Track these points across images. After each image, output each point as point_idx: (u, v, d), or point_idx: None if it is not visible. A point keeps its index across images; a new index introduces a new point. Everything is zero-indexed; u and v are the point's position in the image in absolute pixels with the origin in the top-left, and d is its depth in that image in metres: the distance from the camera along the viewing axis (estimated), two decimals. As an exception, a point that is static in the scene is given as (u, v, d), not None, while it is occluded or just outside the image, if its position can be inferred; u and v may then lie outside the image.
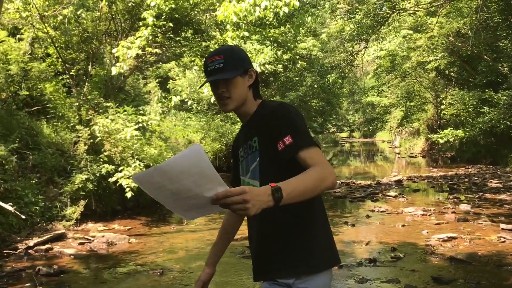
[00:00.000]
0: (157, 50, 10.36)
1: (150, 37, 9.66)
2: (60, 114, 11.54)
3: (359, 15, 18.00)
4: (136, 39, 9.46)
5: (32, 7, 9.81)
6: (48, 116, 11.44)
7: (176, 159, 1.39)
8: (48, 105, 11.53)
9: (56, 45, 10.76)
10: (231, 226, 2.35)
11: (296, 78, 26.45)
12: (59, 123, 11.36)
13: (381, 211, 10.74)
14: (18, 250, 7.25)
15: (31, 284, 5.82)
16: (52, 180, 9.61)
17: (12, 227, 7.89)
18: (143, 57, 10.98)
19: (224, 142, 18.50)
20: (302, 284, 1.83)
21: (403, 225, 9.21)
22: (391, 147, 42.84)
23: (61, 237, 8.24)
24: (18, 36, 11.31)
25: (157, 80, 18.53)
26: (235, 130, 19.62)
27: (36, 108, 11.25)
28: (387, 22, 18.66)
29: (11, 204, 7.74)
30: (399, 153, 34.86)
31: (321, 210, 1.97)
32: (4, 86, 10.40)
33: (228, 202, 1.40)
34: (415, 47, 23.00)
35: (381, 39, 22.70)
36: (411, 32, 22.09)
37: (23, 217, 7.82)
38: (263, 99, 2.04)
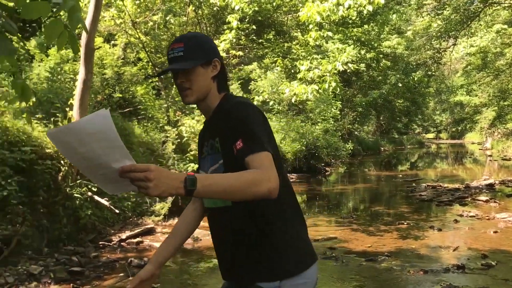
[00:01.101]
0: (240, 53, 10.61)
1: (234, 40, 9.92)
2: (150, 115, 12.20)
3: (447, 10, 17.22)
4: (221, 42, 9.76)
5: (125, 14, 10.46)
6: (139, 117, 12.13)
7: (83, 120, 1.36)
8: (139, 106, 12.24)
9: (147, 50, 11.37)
10: (183, 223, 2.12)
11: (380, 77, 25.82)
12: (149, 124, 12.01)
13: (470, 216, 10.18)
14: (112, 242, 7.76)
15: (124, 275, 6.21)
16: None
17: (107, 220, 8.46)
18: (227, 60, 11.29)
19: (304, 142, 18.49)
20: (289, 282, 1.77)
21: (495, 232, 8.67)
22: (481, 149, 40.36)
23: (150, 231, 8.70)
24: (112, 42, 12.10)
25: (238, 82, 18.94)
26: (315, 131, 19.55)
27: (128, 109, 11.97)
28: (478, 17, 17.65)
29: (107, 199, 8.31)
30: (490, 156, 32.76)
31: (293, 213, 1.87)
32: (100, 89, 11.17)
33: (131, 176, 1.35)
34: (510, 43, 21.55)
35: (471, 35, 21.52)
36: (505, 26, 20.72)
37: (117, 211, 8.36)
38: (227, 92, 1.90)
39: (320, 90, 9.76)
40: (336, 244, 7.90)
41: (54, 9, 1.77)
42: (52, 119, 8.88)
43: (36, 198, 7.10)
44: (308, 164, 19.24)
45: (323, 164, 20.35)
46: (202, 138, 1.96)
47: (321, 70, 9.49)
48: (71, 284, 5.69)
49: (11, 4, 2.13)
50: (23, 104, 8.16)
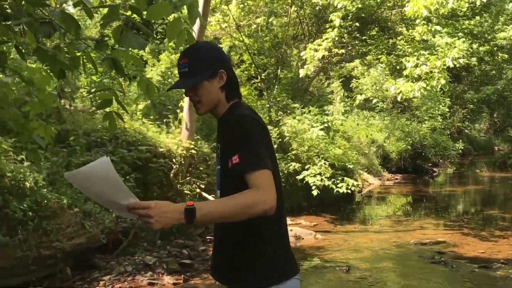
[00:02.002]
0: (343, 51, 10.50)
1: (336, 38, 9.85)
2: (253, 115, 12.52)
3: None
4: (323, 41, 9.74)
5: (230, 18, 10.84)
6: (242, 117, 12.50)
7: (86, 168, 1.53)
8: (242, 107, 12.61)
9: (250, 52, 11.69)
10: None
11: (493, 71, 24.00)
12: (252, 123, 12.31)
13: None
14: (219, 238, 8.11)
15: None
16: (246, 176, 10.49)
17: (213, 216, 8.84)
18: (329, 58, 11.25)
19: (410, 141, 17.78)
20: None
21: None
22: None
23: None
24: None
25: (340, 80, 18.70)
26: (422, 129, 18.71)
27: (232, 109, 12.39)
28: None
29: (213, 196, 8.70)
30: None
31: (282, 224, 1.87)
32: (207, 90, 11.69)
33: (135, 213, 1.52)
34: None
35: None
36: None
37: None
38: (236, 100, 1.92)
39: (427, 87, 9.35)
40: (445, 249, 7.54)
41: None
42: (164, 120, 9.49)
43: (151, 194, 7.64)
44: (414, 164, 18.48)
45: (430, 164, 19.42)
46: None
47: (428, 66, 9.08)
48: (182, 276, 6.06)
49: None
50: (139, 107, 8.78)
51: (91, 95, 9.16)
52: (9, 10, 2.11)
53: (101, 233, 6.23)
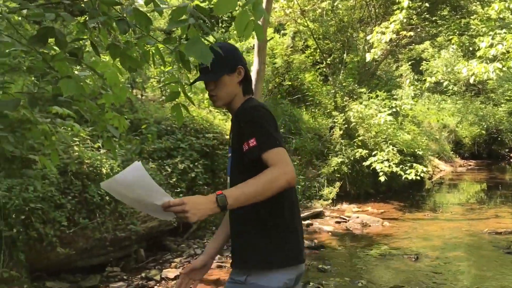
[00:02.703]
0: (412, 33, 10.13)
1: (405, 20, 9.51)
2: (317, 101, 12.44)
3: None
4: (391, 23, 9.44)
5: (294, 4, 10.77)
6: (307, 103, 12.46)
7: (121, 175, 1.59)
8: (307, 93, 12.57)
9: (315, 37, 11.56)
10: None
11: None
12: (317, 110, 12.26)
13: None
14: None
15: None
16: (311, 162, 10.49)
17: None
18: (397, 41, 10.89)
19: (484, 126, 16.91)
20: (253, 280, 1.84)
21: None
22: None
23: (319, 215, 8.95)
24: (282, 31, 12.57)
25: (409, 63, 18.06)
26: (498, 113, 17.73)
27: (296, 96, 12.37)
28: None
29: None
30: None
31: (289, 208, 1.92)
32: (271, 78, 11.74)
33: (171, 211, 1.58)
34: None
35: None
36: None
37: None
38: (251, 95, 2.05)
39: (504, 68, 8.82)
40: (522, 239, 7.17)
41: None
42: (230, 108, 9.66)
43: (218, 180, 7.85)
44: (489, 149, 17.61)
45: (507, 150, 18.38)
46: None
47: (505, 46, 8.56)
48: (249, 260, 6.18)
49: (203, 4, 2.41)
50: (206, 95, 8.96)
51: (161, 85, 9.48)
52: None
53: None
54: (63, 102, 2.36)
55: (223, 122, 8.88)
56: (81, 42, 2.78)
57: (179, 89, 2.41)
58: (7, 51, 5.63)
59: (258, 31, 2.11)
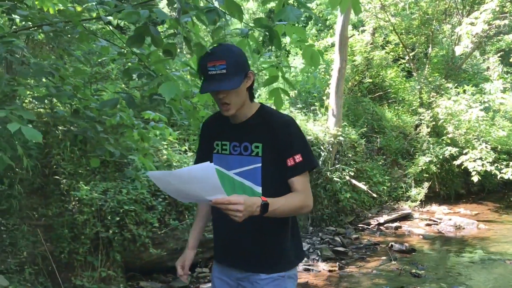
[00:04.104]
0: (506, 21, 9.41)
1: (497, 9, 8.85)
2: (401, 98, 11.94)
3: None
4: (481, 13, 8.82)
5: (374, -2, 10.43)
6: (389, 100, 12.01)
7: (191, 170, 1.69)
8: (388, 90, 12.11)
9: (397, 31, 11.12)
10: (205, 208, 2.27)
11: None
12: (400, 107, 11.77)
13: None
14: (371, 226, 7.90)
15: (386, 258, 6.25)
16: (397, 162, 10.06)
17: (364, 204, 8.66)
18: (486, 32, 10.17)
19: None
20: (277, 280, 1.97)
21: None
22: None
23: (407, 217, 8.55)
24: (361, 28, 12.22)
25: (498, 55, 16.84)
26: None
27: (378, 94, 11.96)
28: None
29: (364, 183, 8.50)
30: None
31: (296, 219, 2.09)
32: (351, 75, 11.44)
33: (224, 208, 1.68)
34: None
35: None
36: None
37: (374, 195, 8.47)
38: (256, 102, 2.04)
39: None
40: None
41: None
42: (311, 108, 9.53)
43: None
44: None
45: None
46: (210, 135, 2.11)
47: None
48: (337, 263, 6.01)
49: None
50: (286, 97, 8.94)
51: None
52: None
53: (257, 219, 6.46)
54: (159, 101, 2.36)
55: (304, 122, 8.75)
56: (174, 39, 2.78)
57: (278, 73, 2.32)
58: (99, 60, 5.86)
59: (356, 3, 1.97)
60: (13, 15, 2.81)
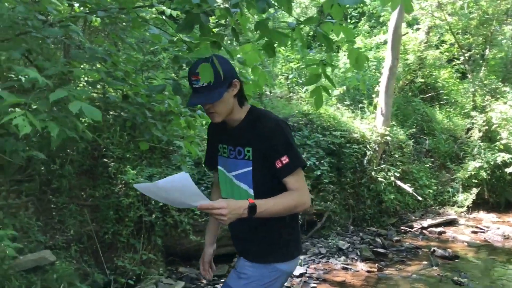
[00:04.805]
0: None
1: None
2: (453, 100, 11.55)
3: None
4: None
5: (431, -4, 10.12)
6: (441, 102, 11.64)
7: (171, 181, 1.79)
8: (441, 91, 11.73)
9: (453, 31, 10.75)
10: None
11: None
12: (452, 109, 11.39)
13: None
14: (414, 229, 7.72)
15: (428, 263, 6.10)
16: (445, 165, 9.76)
17: (408, 206, 8.46)
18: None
19: None
20: (263, 268, 2.10)
21: None
22: None
23: (452, 222, 8.29)
24: (415, 26, 11.89)
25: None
26: None
27: (429, 94, 11.62)
28: None
29: (409, 185, 8.31)
30: None
31: (293, 217, 2.17)
32: (402, 74, 11.16)
33: (209, 212, 1.83)
34: None
35: None
36: None
37: (419, 198, 8.27)
38: (247, 104, 2.12)
39: None
40: None
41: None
42: (359, 106, 9.38)
43: (344, 179, 7.64)
44: None
45: None
46: (214, 137, 2.24)
47: None
48: (376, 264, 5.92)
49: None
50: (334, 92, 8.83)
51: (289, 82, 9.53)
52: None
53: (297, 214, 6.44)
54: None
55: (351, 120, 8.64)
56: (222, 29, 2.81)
57: (320, 71, 2.30)
58: (151, 48, 5.99)
59: (408, 2, 1.93)
60: (72, 1, 2.92)
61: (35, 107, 2.10)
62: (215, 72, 1.88)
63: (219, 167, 2.21)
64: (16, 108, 2.11)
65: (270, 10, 2.12)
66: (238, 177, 2.10)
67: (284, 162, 1.97)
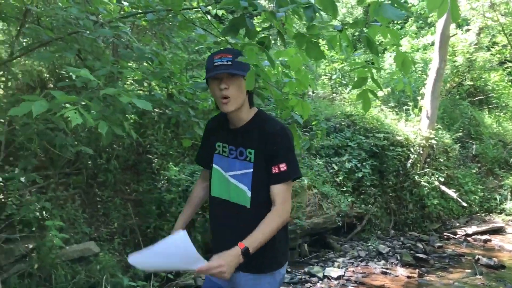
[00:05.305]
0: None
1: None
2: (503, 104, 11.15)
3: None
4: None
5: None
6: (490, 106, 11.25)
7: (167, 243, 1.78)
8: (490, 94, 11.34)
9: (506, 32, 10.36)
10: (196, 199, 2.42)
11: None
12: (502, 114, 11.00)
13: None
14: (457, 236, 7.50)
15: (471, 272, 5.92)
16: (492, 171, 9.42)
17: (452, 212, 8.23)
18: None
19: None
20: (269, 277, 2.11)
21: None
22: None
23: (499, 231, 7.99)
24: (465, 27, 11.53)
25: None
26: None
27: (478, 98, 11.24)
28: None
29: (454, 190, 8.08)
30: None
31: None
32: (449, 77, 10.86)
33: (209, 273, 1.83)
34: None
35: None
36: None
37: (464, 204, 8.03)
38: (256, 108, 2.14)
39: None
40: None
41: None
42: (403, 108, 9.20)
43: (386, 182, 7.52)
44: None
45: None
46: (212, 135, 2.22)
47: None
48: (417, 270, 5.80)
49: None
50: (379, 94, 8.71)
51: (332, 82, 9.45)
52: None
53: (336, 216, 6.41)
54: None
55: (395, 122, 8.48)
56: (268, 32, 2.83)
57: (368, 74, 2.28)
58: (196, 48, 6.09)
59: (455, 10, 1.89)
60: (122, 1, 3.02)
61: (84, 103, 2.19)
62: (238, 58, 1.94)
63: (214, 165, 2.19)
64: (67, 104, 2.20)
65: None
66: (236, 177, 2.10)
67: (281, 169, 1.99)
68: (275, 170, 1.99)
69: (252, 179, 2.04)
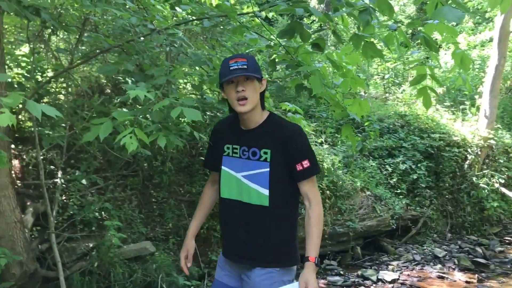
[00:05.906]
0: None
1: None
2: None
3: None
4: None
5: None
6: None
7: None
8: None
9: None
10: (208, 202, 2.48)
11: None
12: None
13: None
14: (520, 240, 7.17)
15: (536, 278, 5.63)
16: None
17: (514, 215, 7.87)
18: None
19: None
20: (285, 275, 2.17)
21: None
22: None
23: None
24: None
25: None
26: None
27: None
28: None
29: None
30: None
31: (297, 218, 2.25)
32: (510, 74, 10.39)
33: None
34: None
35: None
36: None
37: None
38: (268, 111, 2.23)
39: None
40: None
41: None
42: (460, 107, 8.89)
43: (442, 184, 7.29)
44: None
45: None
46: (220, 138, 2.28)
47: None
48: (476, 275, 5.59)
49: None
50: (432, 94, 8.50)
51: (385, 82, 9.28)
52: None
53: (390, 218, 6.28)
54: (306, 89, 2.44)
55: (451, 122, 8.21)
56: (322, 34, 2.83)
57: (427, 71, 2.24)
58: (247, 51, 6.17)
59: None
60: (176, 8, 3.10)
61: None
62: (254, 62, 2.08)
63: (223, 167, 2.24)
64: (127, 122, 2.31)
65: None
66: (249, 177, 2.15)
67: (305, 165, 2.09)
68: (299, 167, 2.09)
69: (270, 178, 2.11)
